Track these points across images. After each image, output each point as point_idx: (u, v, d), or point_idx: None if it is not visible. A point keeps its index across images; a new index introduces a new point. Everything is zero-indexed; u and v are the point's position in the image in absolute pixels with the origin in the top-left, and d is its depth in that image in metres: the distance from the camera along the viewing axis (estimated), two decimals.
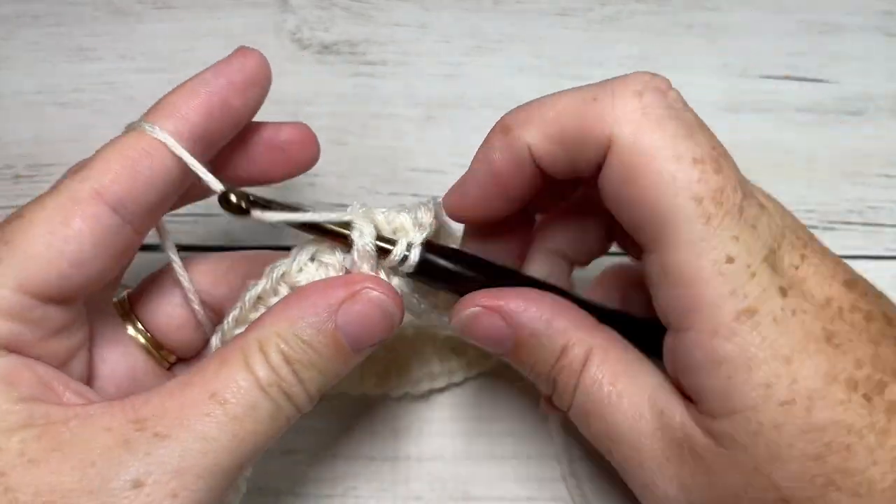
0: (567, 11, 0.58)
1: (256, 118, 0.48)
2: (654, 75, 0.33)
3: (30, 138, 0.54)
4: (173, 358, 0.42)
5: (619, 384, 0.34)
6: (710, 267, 0.30)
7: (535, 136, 0.33)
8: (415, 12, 0.58)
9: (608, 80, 0.33)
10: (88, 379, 0.37)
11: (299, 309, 0.34)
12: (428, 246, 0.38)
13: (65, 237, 0.34)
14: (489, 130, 0.36)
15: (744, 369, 0.30)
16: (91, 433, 0.31)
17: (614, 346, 0.36)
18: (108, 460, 0.30)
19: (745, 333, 0.30)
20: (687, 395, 0.33)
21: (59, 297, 0.34)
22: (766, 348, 0.30)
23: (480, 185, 0.36)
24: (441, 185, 0.52)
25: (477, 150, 0.36)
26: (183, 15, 0.57)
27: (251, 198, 0.35)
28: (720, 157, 0.31)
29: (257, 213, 0.35)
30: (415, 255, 0.37)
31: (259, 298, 0.37)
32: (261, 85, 0.39)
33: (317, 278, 0.37)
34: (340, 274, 0.37)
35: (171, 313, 0.41)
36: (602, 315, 0.37)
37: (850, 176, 0.53)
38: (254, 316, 0.37)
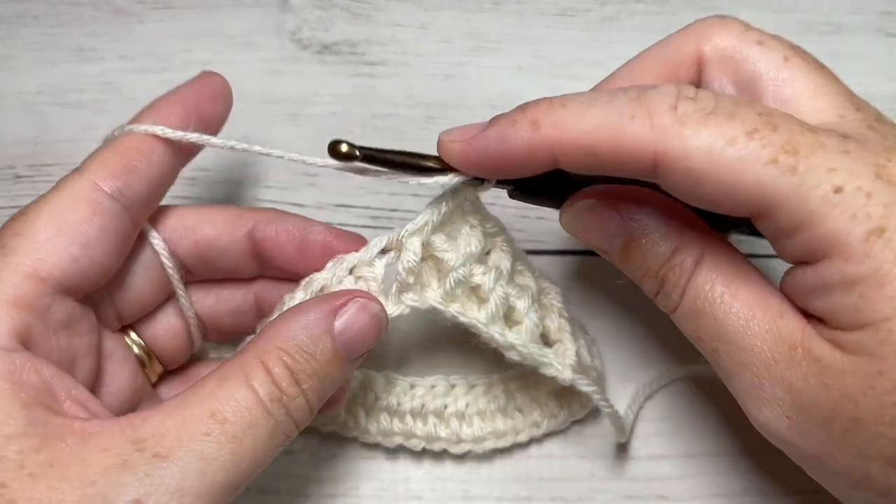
0: (567, 11, 0.58)
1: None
2: (679, 88, 0.33)
3: (30, 138, 0.54)
4: (160, 369, 0.43)
5: (732, 285, 0.35)
6: (822, 203, 0.30)
7: (564, 143, 0.33)
8: (415, 12, 0.58)
9: (638, 90, 0.33)
10: (93, 390, 0.38)
11: (297, 322, 0.35)
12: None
13: (72, 222, 0.36)
14: (513, 111, 0.35)
15: (876, 286, 0.30)
16: (88, 452, 0.31)
17: (727, 251, 0.36)
18: (108, 480, 0.31)
19: (878, 252, 0.30)
20: (805, 315, 0.33)
21: (69, 284, 0.36)
22: None
23: (491, 156, 0.35)
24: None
25: (497, 121, 0.35)
26: (183, 15, 0.57)
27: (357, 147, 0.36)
28: (771, 117, 0.32)
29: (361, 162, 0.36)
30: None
31: None
32: (227, 100, 0.43)
33: None
34: (378, 288, 0.38)
35: (165, 323, 0.42)
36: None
37: None
38: None
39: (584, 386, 0.41)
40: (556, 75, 0.56)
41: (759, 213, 0.32)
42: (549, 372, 0.40)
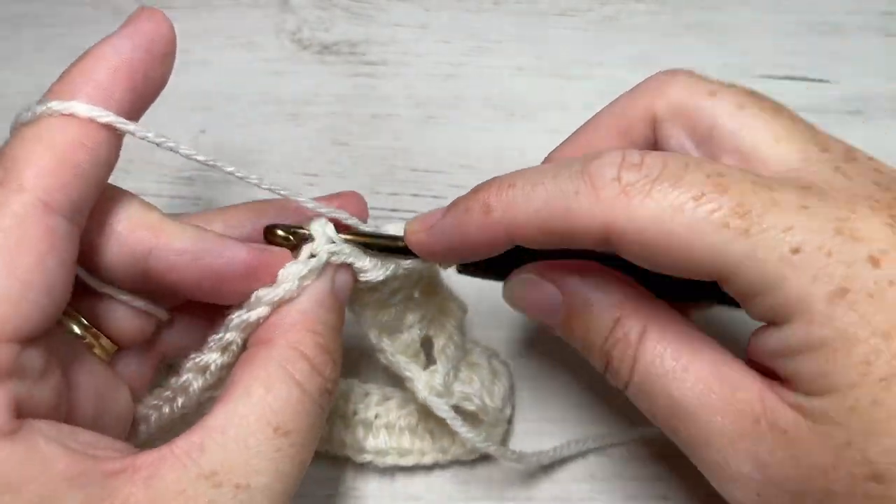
0: (567, 11, 0.58)
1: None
2: (624, 155, 0.31)
3: None
4: (114, 349, 0.37)
5: (682, 358, 0.33)
6: (781, 266, 0.29)
7: (516, 224, 0.32)
8: (415, 12, 0.58)
9: (582, 161, 0.32)
10: (71, 414, 0.33)
11: (309, 297, 0.35)
12: None
13: (28, 265, 0.29)
14: (467, 196, 0.34)
15: (843, 350, 0.29)
16: (166, 499, 0.30)
17: (673, 320, 0.34)
18: None
19: (842, 315, 0.29)
20: (772, 376, 0.32)
21: (37, 333, 0.30)
22: (865, 325, 0.29)
23: (451, 243, 0.35)
24: (441, 185, 0.53)
25: (453, 207, 0.35)
26: (183, 15, 0.57)
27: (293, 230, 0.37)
28: (720, 177, 0.30)
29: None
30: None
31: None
32: (174, 53, 0.34)
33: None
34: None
35: (120, 308, 0.37)
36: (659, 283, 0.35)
37: None
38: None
39: (439, 410, 0.40)
40: (556, 75, 0.56)
41: (719, 277, 0.31)
42: (409, 386, 0.40)
